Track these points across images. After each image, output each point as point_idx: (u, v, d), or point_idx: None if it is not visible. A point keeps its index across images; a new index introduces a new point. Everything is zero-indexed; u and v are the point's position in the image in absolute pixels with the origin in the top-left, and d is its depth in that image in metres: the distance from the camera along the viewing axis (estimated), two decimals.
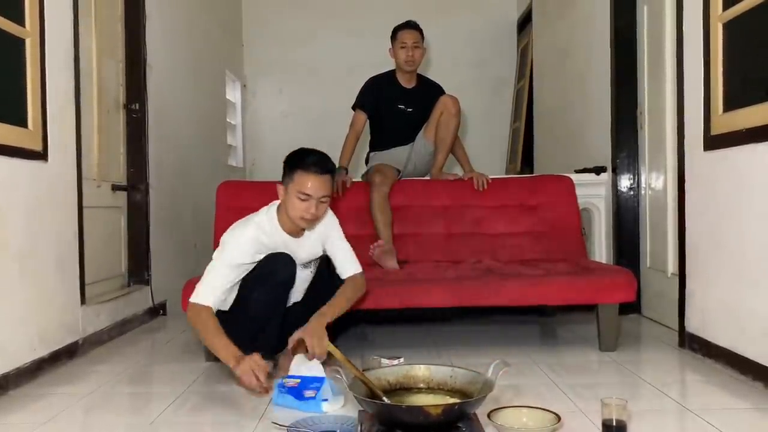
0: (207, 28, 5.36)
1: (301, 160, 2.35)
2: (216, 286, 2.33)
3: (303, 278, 2.60)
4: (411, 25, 3.73)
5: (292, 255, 2.46)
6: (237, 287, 2.45)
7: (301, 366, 2.28)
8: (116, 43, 3.73)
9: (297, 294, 2.61)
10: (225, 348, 2.21)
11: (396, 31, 3.75)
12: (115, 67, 3.71)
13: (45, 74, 2.71)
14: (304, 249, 2.52)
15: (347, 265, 2.58)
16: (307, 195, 2.32)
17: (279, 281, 2.41)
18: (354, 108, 3.79)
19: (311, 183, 2.32)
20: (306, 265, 2.57)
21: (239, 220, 2.50)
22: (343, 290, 2.51)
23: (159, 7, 4.09)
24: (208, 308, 2.30)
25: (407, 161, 3.79)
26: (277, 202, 2.48)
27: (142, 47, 3.84)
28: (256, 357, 2.16)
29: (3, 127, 2.45)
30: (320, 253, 2.59)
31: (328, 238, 2.56)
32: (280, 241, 2.44)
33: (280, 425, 1.97)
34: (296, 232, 2.48)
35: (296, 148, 2.44)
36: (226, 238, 2.41)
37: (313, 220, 2.40)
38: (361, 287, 2.58)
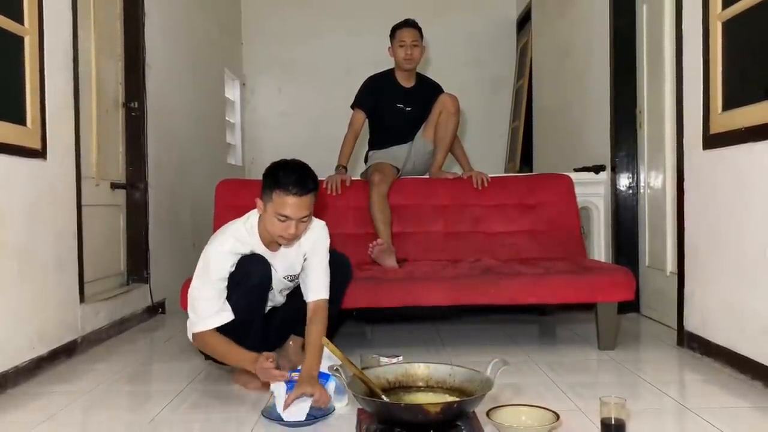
0: (206, 26, 5.36)
1: (282, 179, 2.20)
2: (208, 313, 2.30)
3: (283, 287, 2.53)
4: (410, 24, 3.74)
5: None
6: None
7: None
8: (115, 42, 3.73)
9: (278, 299, 2.57)
10: (241, 356, 2.23)
11: (395, 29, 3.76)
12: (114, 66, 3.70)
13: (44, 73, 2.71)
14: (282, 262, 2.44)
15: (320, 288, 2.44)
16: (286, 217, 2.22)
17: (254, 283, 2.35)
18: (353, 107, 3.80)
19: (290, 205, 2.20)
20: (285, 277, 2.49)
21: (220, 229, 2.44)
22: (316, 327, 2.35)
23: (158, 5, 4.09)
24: (209, 331, 2.30)
25: (406, 160, 3.79)
26: (250, 218, 2.40)
27: (141, 46, 3.84)
28: (265, 354, 2.15)
29: (2, 125, 2.45)
30: (300, 270, 2.50)
31: (311, 256, 2.45)
32: (259, 252, 2.39)
33: (268, 417, 2.02)
34: (275, 245, 2.41)
35: (277, 161, 2.31)
36: (207, 253, 2.34)
37: (292, 240, 2.31)
38: (326, 316, 2.44)
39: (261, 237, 2.37)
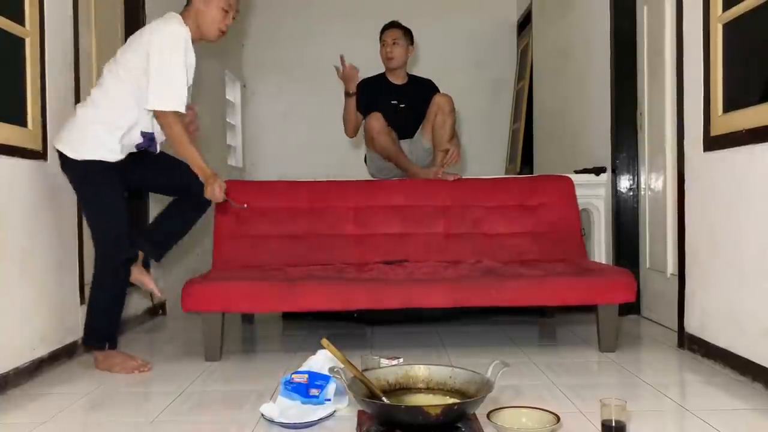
0: None
1: None
2: (184, 91, 2.54)
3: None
4: (391, 25, 3.89)
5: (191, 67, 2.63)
6: None
7: (316, 362, 2.28)
8: (116, 44, 3.71)
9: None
10: (201, 161, 2.58)
11: (381, 32, 3.86)
12: None
13: (45, 74, 2.71)
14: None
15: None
16: (230, 6, 2.62)
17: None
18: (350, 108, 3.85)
19: None
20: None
21: (159, 20, 2.62)
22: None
23: (159, 7, 4.08)
24: (181, 118, 2.56)
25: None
26: (172, 14, 2.62)
27: None
28: (221, 182, 2.58)
29: (3, 126, 2.45)
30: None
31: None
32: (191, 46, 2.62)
33: (267, 419, 2.02)
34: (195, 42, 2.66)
35: None
36: (168, 39, 2.52)
37: (223, 34, 2.67)
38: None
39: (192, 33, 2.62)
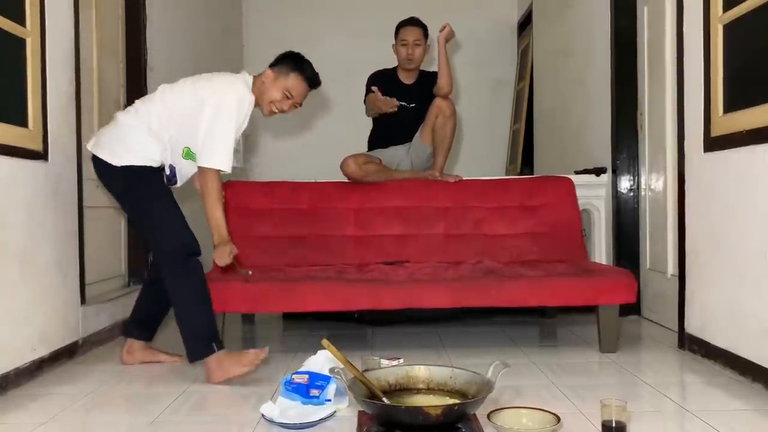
0: (207, 28, 5.36)
1: (305, 68, 2.70)
2: (230, 153, 2.57)
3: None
4: (413, 22, 3.77)
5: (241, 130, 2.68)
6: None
7: (316, 362, 2.28)
8: (117, 44, 3.73)
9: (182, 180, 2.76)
10: (222, 221, 2.57)
11: (398, 27, 3.79)
12: (116, 68, 3.71)
13: (45, 74, 2.72)
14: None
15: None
16: (292, 96, 2.68)
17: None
18: (365, 101, 3.83)
19: (301, 89, 2.70)
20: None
21: (225, 77, 2.66)
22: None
23: (160, 7, 4.10)
24: (220, 177, 2.60)
25: (405, 161, 3.81)
26: (245, 76, 2.69)
27: (143, 48, 3.84)
28: (233, 247, 2.57)
29: (3, 126, 2.45)
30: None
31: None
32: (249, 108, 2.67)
33: (268, 419, 2.02)
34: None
35: (294, 52, 2.74)
36: (233, 98, 2.56)
37: (276, 113, 2.73)
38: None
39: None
